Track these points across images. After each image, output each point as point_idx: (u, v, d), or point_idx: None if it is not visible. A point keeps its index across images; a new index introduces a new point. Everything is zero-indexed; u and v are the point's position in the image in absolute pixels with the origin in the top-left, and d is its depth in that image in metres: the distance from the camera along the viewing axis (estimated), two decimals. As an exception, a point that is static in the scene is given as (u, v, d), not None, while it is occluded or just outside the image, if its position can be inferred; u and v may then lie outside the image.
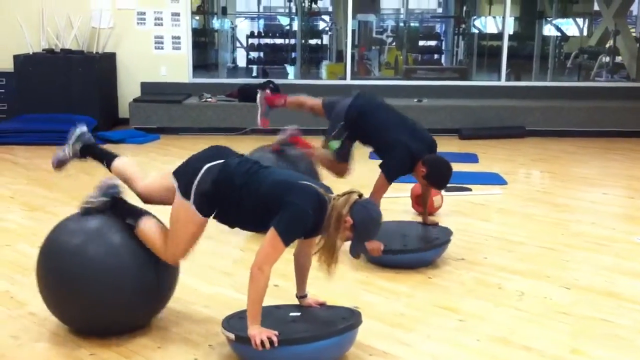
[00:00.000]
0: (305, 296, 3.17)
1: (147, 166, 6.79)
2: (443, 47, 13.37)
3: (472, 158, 7.23)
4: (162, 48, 8.93)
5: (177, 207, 2.96)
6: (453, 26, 12.88)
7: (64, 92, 8.13)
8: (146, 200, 3.22)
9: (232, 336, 2.79)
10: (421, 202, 5.08)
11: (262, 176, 2.89)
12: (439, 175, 4.03)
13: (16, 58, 8.14)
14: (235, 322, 2.89)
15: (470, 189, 5.89)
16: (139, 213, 3.11)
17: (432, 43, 13.81)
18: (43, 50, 8.37)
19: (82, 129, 3.36)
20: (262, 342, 2.65)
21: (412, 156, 4.03)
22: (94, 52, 8.50)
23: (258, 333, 2.68)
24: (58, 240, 3.08)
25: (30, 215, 5.08)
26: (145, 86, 8.94)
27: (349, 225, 2.74)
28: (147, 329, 3.22)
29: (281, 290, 3.48)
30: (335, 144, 4.32)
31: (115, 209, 3.12)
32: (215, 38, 12.22)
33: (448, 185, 5.81)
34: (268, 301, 2.92)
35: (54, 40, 8.47)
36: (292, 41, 12.76)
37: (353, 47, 10.62)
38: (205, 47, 11.58)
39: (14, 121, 8.01)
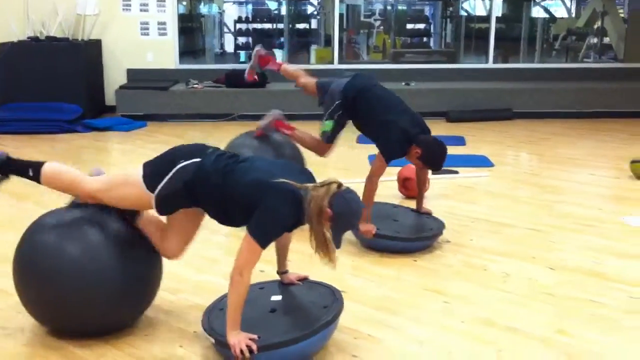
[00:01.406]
0: (286, 272, 3.18)
1: (134, 154, 6.77)
2: (432, 30, 13.34)
3: (460, 141, 7.23)
4: (148, 34, 8.88)
5: (133, 184, 2.91)
6: (441, 9, 12.85)
7: (50, 80, 8.06)
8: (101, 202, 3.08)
9: (212, 340, 2.80)
10: (409, 186, 5.10)
11: (237, 175, 2.82)
12: (435, 156, 3.98)
13: (1, 46, 8.06)
14: (215, 319, 2.87)
15: (457, 172, 5.90)
16: (35, 163, 3.05)
17: (421, 26, 13.77)
18: (28, 38, 8.30)
19: None
20: (242, 351, 2.65)
21: (408, 138, 4.00)
22: (80, 40, 8.43)
23: (237, 342, 2.66)
24: (33, 239, 2.98)
25: (18, 205, 5.05)
26: (131, 73, 8.89)
27: (329, 216, 2.69)
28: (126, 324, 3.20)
29: (267, 276, 3.48)
30: (329, 125, 4.29)
31: (8, 171, 3.07)
32: (202, 24, 12.15)
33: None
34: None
35: (39, 28, 8.39)
36: (281, 26, 12.70)
37: (341, 31, 10.60)
38: (192, 33, 11.51)
39: (0, 110, 7.95)
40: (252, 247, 2.69)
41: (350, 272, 3.82)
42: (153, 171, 2.91)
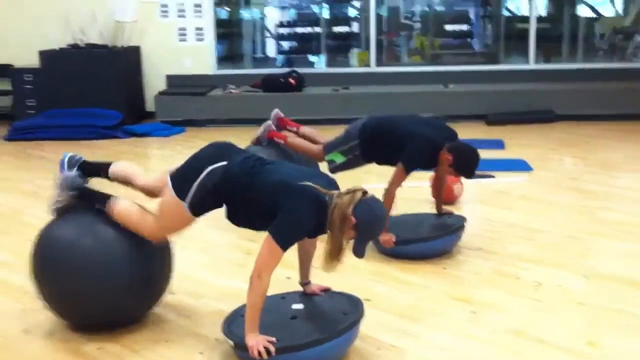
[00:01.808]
0: (308, 283, 3.14)
1: (173, 159, 6.81)
2: (473, 31, 13.13)
3: (498, 144, 7.09)
4: (185, 40, 8.95)
5: (168, 201, 2.94)
6: (482, 9, 12.64)
7: (90, 86, 8.19)
8: (150, 195, 3.20)
9: (231, 343, 2.78)
10: (443, 192, 5.01)
11: (264, 176, 2.81)
12: (467, 162, 3.87)
13: (42, 54, 8.22)
14: (235, 324, 2.84)
15: (493, 176, 5.78)
16: (105, 197, 3.10)
17: (462, 27, 13.58)
18: (68, 45, 8.45)
19: (69, 175, 3.18)
20: (259, 352, 2.62)
21: (433, 146, 3.90)
22: (119, 46, 8.54)
23: (255, 343, 2.64)
24: (49, 236, 3.09)
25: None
26: (170, 79, 8.97)
27: (353, 225, 2.65)
28: (155, 322, 3.22)
29: (293, 283, 3.42)
30: (339, 157, 4.23)
31: (82, 199, 3.12)
32: (242, 29, 12.19)
33: (471, 172, 5.77)
34: (277, 291, 2.92)
35: (79, 35, 8.53)
36: (321, 29, 12.67)
37: (382, 34, 10.54)
38: (232, 38, 11.56)
39: (41, 117, 8.09)
40: (273, 249, 2.67)
41: (376, 279, 3.75)
42: (182, 179, 2.93)
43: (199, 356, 2.94)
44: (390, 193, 3.93)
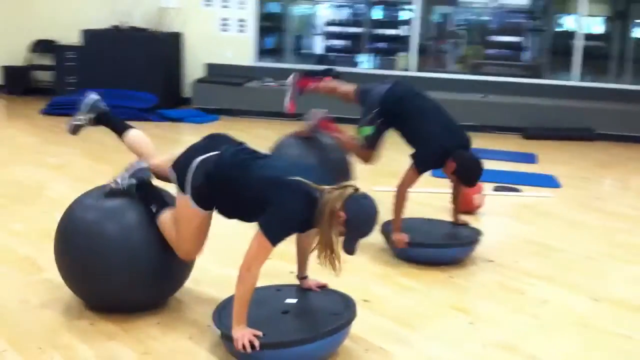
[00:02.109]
0: (305, 277, 3.12)
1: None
2: (523, 44, 12.92)
3: (530, 158, 6.96)
4: (227, 30, 8.99)
5: (179, 202, 2.94)
6: (533, 22, 12.43)
7: (129, 68, 8.31)
8: (157, 176, 3.21)
9: (218, 332, 2.77)
10: (463, 201, 4.92)
11: (254, 169, 2.79)
12: (469, 172, 3.86)
13: (85, 33, 8.35)
14: (226, 313, 2.83)
15: (519, 190, 5.66)
16: (163, 202, 3.08)
17: (512, 39, 13.39)
18: (111, 26, 8.56)
19: (94, 97, 3.38)
20: (244, 346, 2.61)
21: (445, 151, 3.88)
22: (160, 31, 8.63)
23: (241, 336, 2.63)
24: (74, 217, 3.10)
25: (73, 186, 5.18)
26: (210, 67, 9.03)
27: (342, 221, 2.62)
28: (151, 306, 3.22)
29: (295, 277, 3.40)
30: (368, 130, 4.19)
31: (140, 192, 3.11)
32: (291, 23, 12.22)
33: (497, 185, 5.68)
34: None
35: (123, 18, 8.63)
36: (371, 30, 12.62)
37: (430, 39, 10.45)
38: (279, 32, 11.61)
39: (78, 94, 8.20)
40: (262, 243, 2.65)
41: (379, 281, 3.71)
42: (180, 172, 2.93)
43: (188, 341, 2.94)
44: (401, 193, 3.90)
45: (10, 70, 9.13)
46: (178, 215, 2.96)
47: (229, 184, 2.81)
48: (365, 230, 2.71)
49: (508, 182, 5.83)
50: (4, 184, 5.19)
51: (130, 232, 3.01)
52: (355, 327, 2.98)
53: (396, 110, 4.10)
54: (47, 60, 9.02)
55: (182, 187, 2.90)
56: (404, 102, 4.10)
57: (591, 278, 3.88)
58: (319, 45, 13.16)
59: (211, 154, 2.87)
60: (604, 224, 4.95)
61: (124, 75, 8.26)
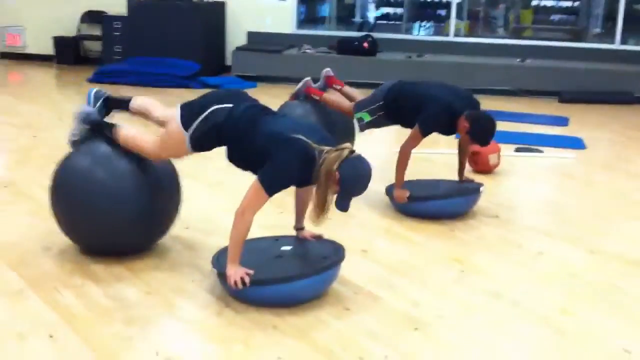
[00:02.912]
0: (302, 228, 3.30)
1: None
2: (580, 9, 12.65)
3: (561, 121, 6.95)
4: (269, -2, 9.18)
5: (172, 129, 3.11)
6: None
7: (173, 37, 8.58)
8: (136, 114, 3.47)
9: (216, 271, 3.00)
10: (478, 160, 5.02)
11: (262, 124, 2.97)
12: (482, 130, 3.90)
13: (130, 3, 8.65)
14: (225, 257, 3.02)
15: (542, 151, 5.70)
16: (112, 125, 3.34)
17: (567, 3, 13.13)
18: (156, -4, 8.84)
19: (86, 110, 3.42)
20: (235, 282, 2.83)
21: (452, 111, 3.96)
22: (205, 1, 8.85)
23: (234, 273, 2.85)
24: (68, 165, 3.36)
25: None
26: (251, 35, 9.23)
27: (337, 180, 2.78)
28: (161, 251, 3.48)
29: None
30: (366, 116, 4.33)
31: (95, 131, 3.35)
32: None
33: (518, 146, 5.73)
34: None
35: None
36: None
37: (479, 5, 10.40)
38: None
39: (125, 62, 8.55)
40: (258, 192, 2.85)
41: (381, 234, 3.87)
42: (189, 112, 3.12)
43: (191, 283, 3.17)
44: (404, 152, 4.03)
45: (60, 41, 9.52)
46: (167, 137, 3.16)
47: (238, 136, 3.01)
48: (358, 190, 2.87)
49: (534, 144, 5.86)
50: (46, 146, 5.52)
51: (119, 178, 3.24)
52: (349, 273, 3.19)
53: (399, 101, 4.19)
54: (96, 31, 9.38)
55: (184, 123, 3.08)
56: (405, 89, 4.21)
57: (592, 233, 3.95)
58: (369, 13, 13.18)
59: (225, 105, 3.06)
60: (621, 183, 4.97)
61: (168, 44, 8.54)
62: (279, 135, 2.90)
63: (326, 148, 2.84)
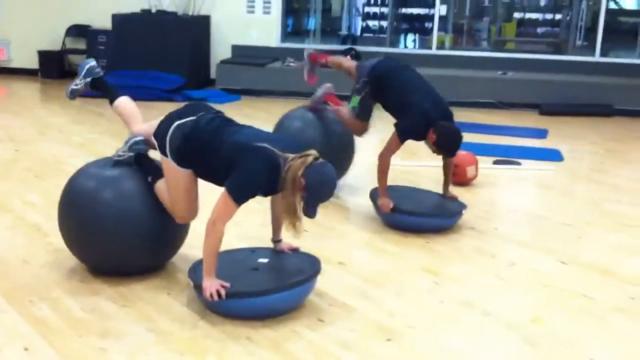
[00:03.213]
0: (279, 241, 3.35)
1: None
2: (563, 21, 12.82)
3: (541, 134, 7.03)
4: (253, 12, 9.23)
5: (165, 167, 3.18)
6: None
7: (158, 51, 8.62)
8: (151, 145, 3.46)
9: (192, 283, 3.04)
10: (457, 172, 5.08)
11: (226, 135, 3.02)
12: (448, 142, 4.01)
13: (114, 17, 8.70)
14: (201, 268, 3.06)
15: (519, 163, 5.78)
16: (159, 171, 3.29)
17: (541, 16, 13.31)
18: (141, 10, 8.88)
19: (91, 63, 3.64)
20: (211, 295, 2.87)
21: (428, 122, 4.04)
22: (189, 14, 8.92)
23: (209, 285, 2.89)
24: (76, 184, 3.36)
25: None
26: (236, 49, 9.29)
27: (303, 186, 2.83)
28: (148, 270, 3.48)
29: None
30: (356, 99, 4.39)
31: (139, 164, 3.36)
32: (320, 4, 12.40)
33: (497, 158, 5.81)
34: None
35: (152, 1, 8.95)
36: (419, 11, 12.69)
37: (463, 18, 10.52)
38: (303, 13, 11.80)
39: (108, 76, 8.55)
40: (227, 202, 2.89)
41: (359, 246, 3.92)
42: (159, 138, 3.17)
43: (166, 296, 3.20)
44: (384, 158, 4.11)
45: (45, 55, 9.55)
46: (167, 179, 3.20)
47: (202, 147, 3.05)
48: (324, 196, 2.93)
49: (512, 156, 5.94)
50: (28, 159, 5.55)
51: (127, 199, 3.24)
52: (324, 286, 3.24)
53: (382, 82, 4.28)
54: (81, 45, 9.43)
55: (163, 151, 3.15)
56: (390, 74, 4.28)
57: (566, 244, 4.01)
58: (353, 26, 13.31)
59: (188, 119, 3.12)
60: (596, 194, 5.05)
61: (153, 57, 8.57)
62: (244, 144, 2.96)
63: (290, 155, 2.89)
